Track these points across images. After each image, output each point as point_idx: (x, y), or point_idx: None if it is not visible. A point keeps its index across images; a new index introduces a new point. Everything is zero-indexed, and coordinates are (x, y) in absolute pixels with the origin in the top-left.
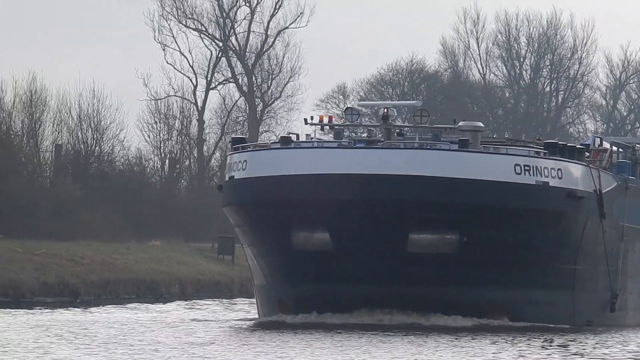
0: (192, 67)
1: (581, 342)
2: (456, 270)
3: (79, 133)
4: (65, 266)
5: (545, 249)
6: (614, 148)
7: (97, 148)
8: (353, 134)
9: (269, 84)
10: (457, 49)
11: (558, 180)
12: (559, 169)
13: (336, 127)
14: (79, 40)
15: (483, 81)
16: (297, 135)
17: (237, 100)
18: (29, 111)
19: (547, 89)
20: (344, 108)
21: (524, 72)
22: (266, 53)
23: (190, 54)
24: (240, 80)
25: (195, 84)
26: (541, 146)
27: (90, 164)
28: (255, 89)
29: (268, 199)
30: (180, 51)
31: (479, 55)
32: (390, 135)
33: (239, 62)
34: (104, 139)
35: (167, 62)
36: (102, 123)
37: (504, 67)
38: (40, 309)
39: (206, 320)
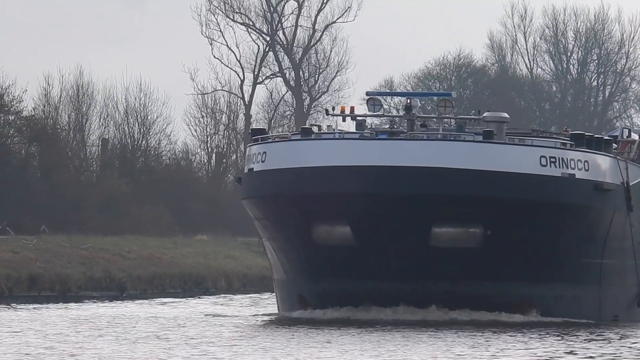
0: (239, 61)
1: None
2: (480, 265)
3: (126, 127)
4: (112, 260)
5: (571, 243)
6: None
7: (143, 142)
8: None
9: (316, 78)
10: (504, 43)
11: (584, 173)
12: (585, 161)
13: (358, 117)
14: (126, 35)
15: (530, 75)
16: (319, 127)
17: (284, 95)
18: (76, 105)
19: (594, 83)
20: (366, 98)
21: (571, 66)
22: (313, 47)
23: (238, 48)
24: (287, 75)
25: (242, 78)
26: (568, 137)
27: (137, 159)
28: (302, 83)
29: (287, 191)
30: (227, 45)
31: (527, 49)
32: (413, 126)
33: (286, 57)
34: (150, 133)
35: (214, 57)
36: (149, 117)
37: (551, 62)
38: (77, 304)
39: (223, 316)
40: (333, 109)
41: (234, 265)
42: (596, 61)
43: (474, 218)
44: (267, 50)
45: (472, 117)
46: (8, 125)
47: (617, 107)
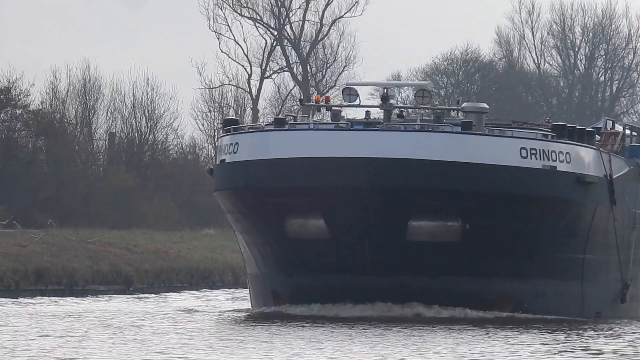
0: (246, 55)
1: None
2: (459, 260)
3: (133, 121)
4: (119, 254)
5: (552, 238)
6: (627, 131)
7: (150, 136)
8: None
9: (324, 73)
10: (512, 38)
11: (566, 165)
12: (567, 153)
13: (333, 108)
14: (133, 29)
15: (537, 71)
16: (295, 117)
17: (291, 89)
18: (83, 99)
19: (602, 78)
20: (342, 88)
21: (578, 61)
22: (321, 42)
23: (245, 42)
24: (294, 69)
25: (249, 72)
26: (550, 129)
27: (144, 153)
28: (309, 77)
29: (260, 184)
30: (235, 40)
31: (534, 44)
32: (390, 117)
33: (293, 51)
34: (157, 127)
35: (222, 51)
36: (156, 111)
37: (558, 57)
38: (82, 298)
39: (198, 311)
40: (308, 99)
41: (240, 259)
42: (603, 56)
43: (452, 211)
44: (274, 44)
45: (451, 107)
46: (15, 119)
47: (625, 102)
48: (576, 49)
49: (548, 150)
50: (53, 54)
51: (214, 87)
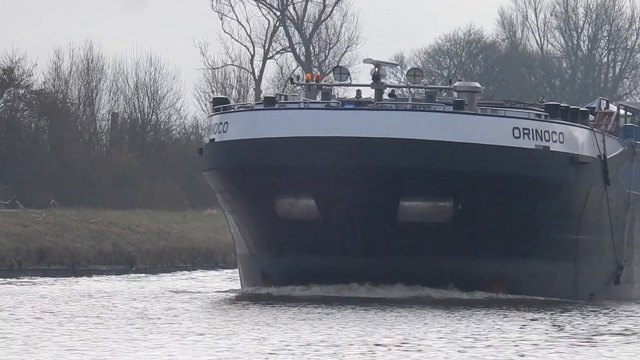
0: (249, 36)
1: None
2: (450, 241)
3: (136, 102)
4: (121, 235)
5: (545, 218)
6: (622, 111)
7: (153, 117)
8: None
9: (327, 54)
10: (515, 19)
11: (560, 145)
12: (560, 133)
13: (324, 86)
14: (136, 9)
15: (540, 52)
16: (286, 97)
17: (294, 70)
18: (86, 79)
19: (605, 60)
20: (333, 67)
21: (581, 42)
22: (324, 22)
23: (248, 23)
24: (297, 50)
25: (252, 53)
26: (543, 108)
27: (147, 133)
28: (312, 58)
29: (249, 163)
30: (237, 20)
31: (537, 25)
32: (381, 96)
33: (296, 32)
34: (160, 107)
35: (225, 31)
36: (159, 92)
37: (561, 38)
38: (86, 277)
39: (185, 292)
40: (298, 78)
41: None
42: (606, 38)
43: (444, 192)
44: (277, 25)
45: (443, 86)
46: (18, 99)
47: (627, 83)
48: (579, 30)
49: (541, 130)
50: (56, 34)
51: (217, 68)
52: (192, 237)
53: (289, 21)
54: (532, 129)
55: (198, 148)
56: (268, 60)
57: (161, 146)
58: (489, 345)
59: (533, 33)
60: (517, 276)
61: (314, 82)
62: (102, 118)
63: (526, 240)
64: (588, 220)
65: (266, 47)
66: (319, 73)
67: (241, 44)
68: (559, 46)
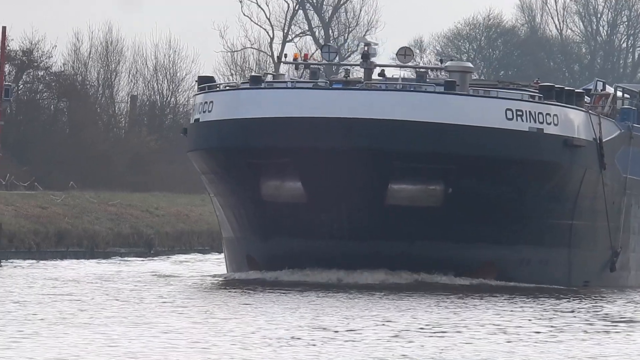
0: (268, 19)
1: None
2: (440, 225)
3: (155, 84)
4: (140, 217)
5: (538, 203)
6: (619, 93)
7: (172, 99)
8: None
9: (346, 37)
10: (534, 4)
11: (554, 127)
12: (554, 115)
13: (312, 65)
14: None
15: (560, 37)
16: (274, 75)
17: (313, 53)
18: (105, 62)
19: (624, 45)
20: (322, 46)
21: (600, 27)
22: (343, 6)
23: (267, 6)
24: (316, 33)
25: (271, 36)
26: (537, 90)
27: (166, 115)
28: (331, 42)
29: (234, 144)
30: (257, 3)
31: (556, 10)
32: (370, 76)
33: (315, 15)
34: (179, 90)
35: (244, 14)
36: (178, 74)
37: (580, 23)
38: (104, 260)
39: (172, 276)
40: (285, 56)
41: None
42: (626, 23)
43: (434, 175)
44: (296, 8)
45: (434, 67)
46: (37, 81)
47: None
48: (598, 15)
49: (535, 112)
50: (75, 16)
51: (236, 51)
52: (210, 220)
53: (308, 4)
54: (526, 111)
55: (182, 128)
56: (287, 44)
57: (180, 128)
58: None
59: (552, 18)
60: (508, 262)
61: (302, 61)
62: (121, 100)
63: (518, 225)
64: (583, 206)
65: (285, 30)
66: (306, 52)
67: (260, 27)
68: (578, 31)
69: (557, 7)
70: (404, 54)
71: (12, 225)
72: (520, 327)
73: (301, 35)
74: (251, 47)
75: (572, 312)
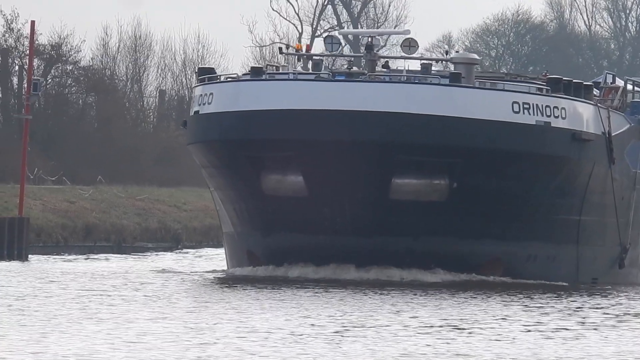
0: (297, 14)
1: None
2: (445, 220)
3: (183, 79)
4: (168, 212)
5: (545, 198)
6: (629, 86)
7: None
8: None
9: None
10: (563, 0)
11: (561, 121)
12: (562, 108)
13: (314, 57)
14: None
15: (588, 32)
16: (277, 67)
17: (342, 48)
18: (134, 56)
19: None
20: (324, 36)
21: (629, 24)
22: (372, 1)
23: (297, 1)
24: (345, 28)
25: (300, 31)
26: (544, 82)
27: None
28: (360, 37)
29: (234, 136)
30: None
31: (585, 6)
32: (374, 68)
33: (345, 10)
34: None
35: (273, 9)
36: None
37: (609, 19)
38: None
39: (171, 272)
40: (287, 47)
41: None
42: None
43: (439, 169)
44: (325, 3)
45: (439, 58)
46: (66, 75)
47: None
48: (627, 11)
49: (542, 105)
50: (104, 10)
51: (265, 46)
52: None
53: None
54: (533, 104)
55: (182, 120)
56: (316, 39)
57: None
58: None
59: (581, 14)
60: (515, 258)
61: (304, 52)
62: (150, 95)
63: (525, 221)
64: (591, 201)
65: (314, 26)
66: (308, 43)
67: (289, 22)
68: (607, 27)
69: (585, 3)
70: (409, 45)
71: (39, 219)
72: None
73: (330, 30)
74: (280, 42)
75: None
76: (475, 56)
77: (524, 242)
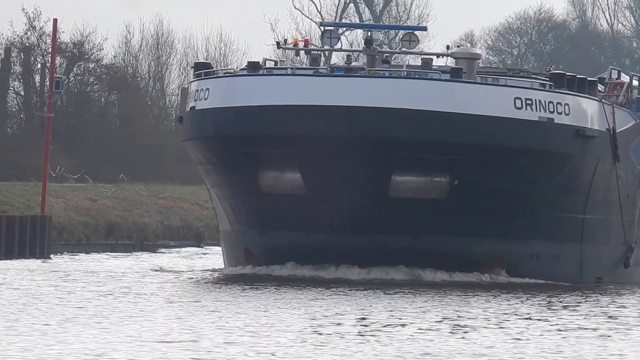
0: (319, 12)
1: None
2: (445, 219)
3: None
4: (190, 210)
5: (548, 195)
6: (635, 82)
7: None
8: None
9: (397, 31)
10: None
11: (565, 117)
12: (566, 104)
13: (313, 52)
14: None
15: (611, 31)
16: (276, 62)
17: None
18: (156, 54)
19: None
20: (322, 31)
21: None
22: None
23: None
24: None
25: (322, 29)
26: (548, 78)
27: None
28: (382, 35)
29: (231, 132)
30: None
31: (607, 5)
32: (373, 62)
33: (367, 8)
34: None
35: (295, 7)
36: (229, 67)
37: (631, 17)
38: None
39: (168, 271)
40: (285, 42)
41: None
42: None
43: (439, 166)
44: (348, 1)
45: (440, 53)
46: (88, 73)
47: None
48: None
49: (545, 101)
50: (126, 8)
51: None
52: None
53: None
54: (535, 100)
55: (178, 116)
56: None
57: None
58: None
59: (603, 12)
60: (517, 257)
61: (302, 47)
62: (172, 93)
63: (527, 219)
64: (595, 198)
65: None
66: (307, 37)
67: (311, 20)
68: (630, 25)
69: (608, 1)
70: (409, 39)
71: (61, 217)
72: None
73: (352, 28)
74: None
75: None
76: (477, 51)
77: (526, 240)
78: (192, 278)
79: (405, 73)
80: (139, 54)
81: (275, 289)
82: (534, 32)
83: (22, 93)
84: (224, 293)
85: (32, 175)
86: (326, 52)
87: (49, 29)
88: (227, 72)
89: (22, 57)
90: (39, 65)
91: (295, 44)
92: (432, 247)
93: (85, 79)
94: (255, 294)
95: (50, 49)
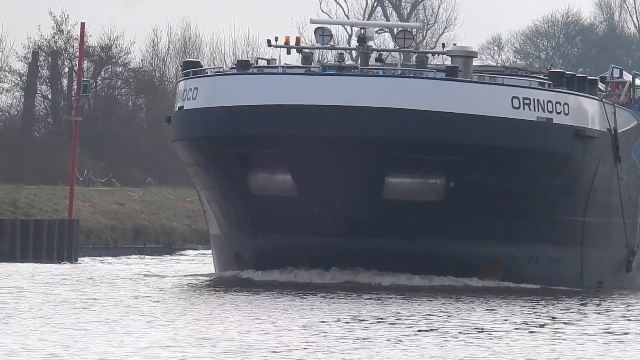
0: (347, 16)
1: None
2: (442, 221)
3: None
4: None
5: (547, 197)
6: (637, 81)
7: None
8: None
9: (424, 34)
10: (612, 1)
11: (564, 117)
12: (565, 104)
13: (305, 50)
14: None
15: (638, 34)
16: (268, 61)
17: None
18: (183, 58)
19: None
20: (315, 28)
21: None
22: (422, 3)
23: (346, 2)
24: (395, 31)
25: (350, 33)
26: (546, 77)
27: None
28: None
29: (221, 133)
30: (336, 0)
31: (635, 8)
32: (367, 61)
33: (394, 12)
34: None
35: (323, 11)
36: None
37: None
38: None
39: (158, 275)
40: (276, 39)
41: None
42: None
43: (435, 167)
44: (375, 5)
45: (436, 51)
46: (116, 77)
47: None
48: None
49: (544, 101)
50: (154, 12)
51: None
52: None
53: (386, 1)
54: (534, 99)
55: (166, 116)
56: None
57: None
58: None
59: (631, 15)
60: (515, 261)
61: (293, 45)
62: None
63: (526, 222)
64: (596, 201)
65: None
66: (298, 35)
67: (338, 24)
68: None
69: (635, 4)
70: (404, 37)
71: (89, 221)
72: None
73: (379, 32)
74: (330, 44)
75: None
76: (473, 48)
77: (525, 243)
78: (177, 285)
79: (400, 72)
80: (166, 58)
81: (269, 294)
82: (561, 35)
83: (49, 97)
84: (196, 300)
85: (60, 179)
86: (318, 50)
87: (76, 32)
88: (217, 71)
89: (50, 60)
90: (66, 69)
91: (287, 42)
92: (428, 250)
93: (113, 83)
94: (241, 300)
95: (77, 53)
